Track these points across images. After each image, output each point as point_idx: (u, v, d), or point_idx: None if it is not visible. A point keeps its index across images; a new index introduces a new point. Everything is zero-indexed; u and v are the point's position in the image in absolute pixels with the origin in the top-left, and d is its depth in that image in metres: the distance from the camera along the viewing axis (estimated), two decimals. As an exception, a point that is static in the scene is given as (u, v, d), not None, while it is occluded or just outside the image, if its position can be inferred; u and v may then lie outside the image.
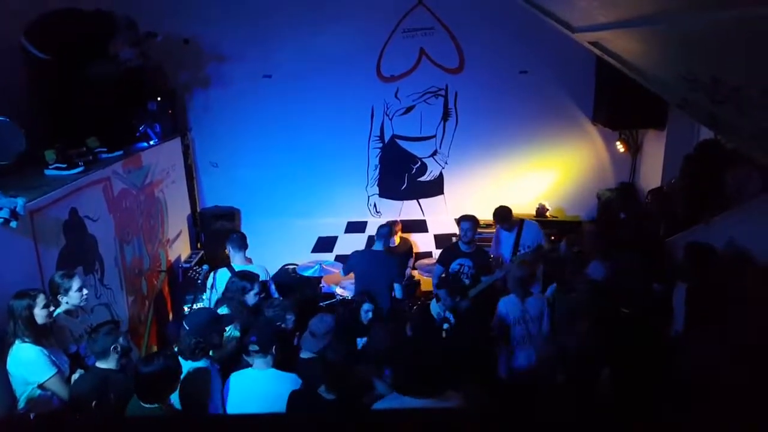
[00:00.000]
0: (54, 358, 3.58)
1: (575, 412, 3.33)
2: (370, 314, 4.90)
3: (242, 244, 5.47)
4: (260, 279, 4.90)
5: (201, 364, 3.67)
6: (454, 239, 7.71)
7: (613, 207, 6.22)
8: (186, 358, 3.68)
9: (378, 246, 5.90)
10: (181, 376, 3.48)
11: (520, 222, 6.24)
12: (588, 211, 7.79)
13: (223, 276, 5.32)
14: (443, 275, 5.63)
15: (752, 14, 1.68)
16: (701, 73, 2.44)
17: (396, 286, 5.75)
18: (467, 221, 5.86)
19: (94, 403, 3.38)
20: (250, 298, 4.61)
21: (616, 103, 6.72)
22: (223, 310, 4.61)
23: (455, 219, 6.09)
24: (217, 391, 3.62)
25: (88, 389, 3.47)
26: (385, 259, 5.79)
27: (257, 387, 3.64)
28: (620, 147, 7.55)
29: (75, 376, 3.71)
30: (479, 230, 7.30)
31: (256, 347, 3.60)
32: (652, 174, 7.14)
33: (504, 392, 4.51)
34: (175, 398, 3.51)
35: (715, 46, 2.19)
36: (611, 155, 7.70)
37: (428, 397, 2.87)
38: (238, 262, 5.40)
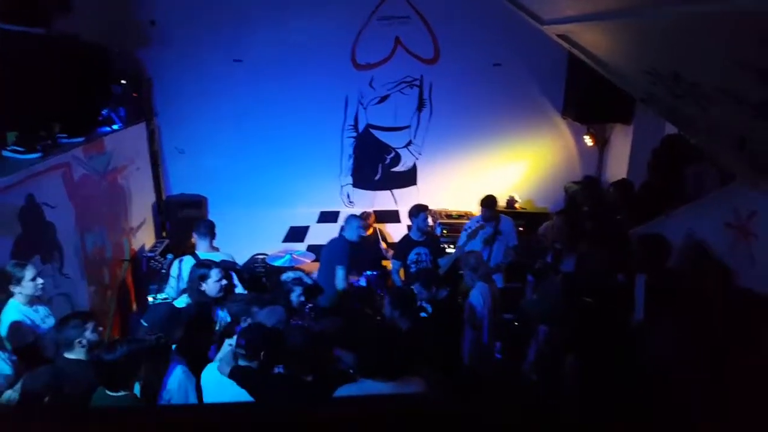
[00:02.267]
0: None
1: (538, 401, 3.38)
2: (302, 298, 4.73)
3: (209, 232, 5.36)
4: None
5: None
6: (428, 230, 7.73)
7: (578, 200, 6.32)
8: (147, 354, 3.56)
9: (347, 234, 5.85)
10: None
11: (497, 217, 6.26)
12: (556, 203, 7.87)
13: (188, 264, 5.22)
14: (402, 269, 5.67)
15: (707, 10, 1.69)
16: (662, 68, 2.47)
17: (338, 270, 5.58)
18: (422, 212, 5.95)
19: (47, 398, 3.29)
20: (211, 287, 4.43)
21: (585, 98, 6.80)
22: (182, 302, 4.48)
23: (409, 210, 6.12)
24: (180, 390, 3.47)
25: (39, 384, 3.37)
26: (336, 245, 5.75)
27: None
28: (588, 141, 7.66)
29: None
30: (453, 221, 7.44)
31: (243, 351, 3.41)
32: (618, 167, 7.25)
33: (469, 381, 4.54)
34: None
35: (675, 42, 2.21)
36: (579, 149, 7.81)
37: (392, 381, 2.92)
38: (203, 250, 5.29)
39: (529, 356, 4.61)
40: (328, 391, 3.11)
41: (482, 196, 6.03)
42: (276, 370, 3.50)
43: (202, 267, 4.53)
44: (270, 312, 3.99)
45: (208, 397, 3.54)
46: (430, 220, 7.26)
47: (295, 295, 4.62)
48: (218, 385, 3.47)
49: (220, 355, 3.70)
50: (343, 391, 3.03)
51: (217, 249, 5.43)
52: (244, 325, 3.95)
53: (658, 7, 2.13)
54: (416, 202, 6.17)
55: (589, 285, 4.37)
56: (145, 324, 3.60)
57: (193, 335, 3.89)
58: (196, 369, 3.65)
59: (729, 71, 1.91)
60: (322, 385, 3.30)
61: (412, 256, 5.90)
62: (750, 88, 1.88)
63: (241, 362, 3.42)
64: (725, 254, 3.52)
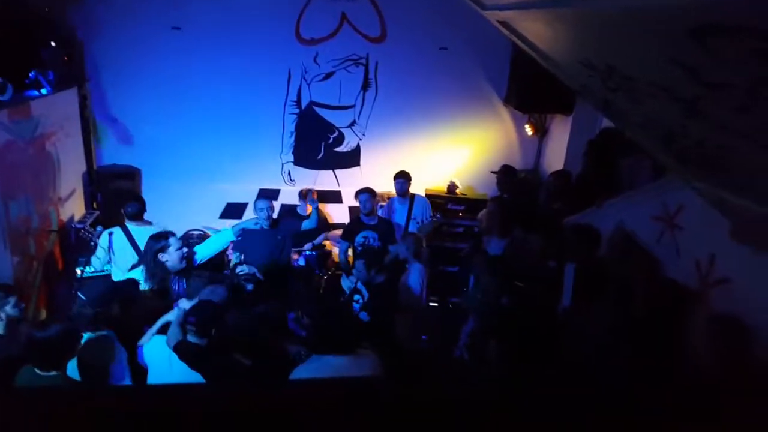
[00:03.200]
0: None
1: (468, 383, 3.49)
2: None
3: (140, 208, 5.19)
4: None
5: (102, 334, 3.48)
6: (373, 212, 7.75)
7: (498, 187, 6.55)
8: (84, 330, 3.47)
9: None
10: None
11: (412, 196, 6.52)
12: (494, 190, 8.05)
13: (118, 236, 5.04)
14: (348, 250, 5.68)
15: (638, 4, 1.75)
16: (598, 60, 2.54)
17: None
18: (364, 193, 5.98)
19: None
20: (173, 257, 4.22)
21: (527, 87, 6.89)
22: (135, 274, 4.32)
23: (354, 192, 6.16)
24: (120, 362, 3.43)
25: None
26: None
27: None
28: (528, 130, 7.81)
29: None
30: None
31: (193, 328, 3.41)
32: (556, 157, 7.44)
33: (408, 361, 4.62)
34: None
35: (610, 34, 2.27)
36: (520, 137, 7.95)
37: (345, 354, 3.03)
38: (133, 224, 5.12)
39: (461, 338, 4.68)
40: (270, 375, 3.15)
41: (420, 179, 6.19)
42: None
43: (160, 238, 4.31)
44: (212, 291, 3.94)
45: (153, 371, 3.52)
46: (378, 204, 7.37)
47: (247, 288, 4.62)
48: (163, 358, 3.46)
49: (167, 327, 3.66)
50: (299, 372, 3.07)
51: (149, 222, 5.26)
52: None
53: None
54: (359, 184, 6.22)
55: (519, 270, 4.52)
56: (84, 298, 3.48)
57: (128, 309, 3.80)
58: (128, 343, 3.59)
59: (662, 67, 1.99)
60: (262, 369, 3.30)
61: (359, 239, 5.91)
62: (682, 85, 1.96)
63: (191, 338, 3.41)
64: (653, 245, 3.70)
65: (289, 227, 5.76)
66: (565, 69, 3.39)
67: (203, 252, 4.84)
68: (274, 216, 5.60)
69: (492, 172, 6.87)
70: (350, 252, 6.17)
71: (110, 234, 5.08)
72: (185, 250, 4.42)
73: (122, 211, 5.18)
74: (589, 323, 3.54)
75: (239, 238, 5.18)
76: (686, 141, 2.35)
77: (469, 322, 4.67)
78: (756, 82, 1.68)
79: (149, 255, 4.29)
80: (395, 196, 6.63)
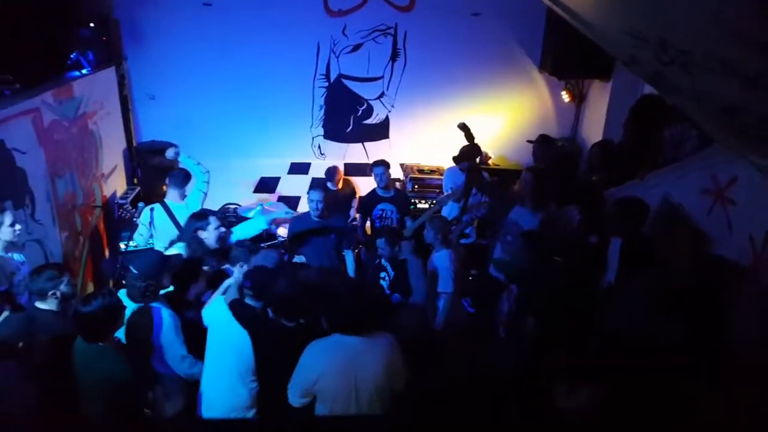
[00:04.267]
0: None
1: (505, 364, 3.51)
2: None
3: (182, 182, 5.32)
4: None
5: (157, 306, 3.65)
6: (398, 184, 7.76)
7: (535, 158, 6.36)
8: (136, 302, 3.66)
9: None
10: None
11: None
12: (528, 160, 7.96)
13: (159, 212, 5.19)
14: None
15: None
16: (649, 33, 2.45)
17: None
18: (379, 166, 5.91)
19: (20, 344, 3.30)
20: (211, 235, 4.45)
21: (563, 52, 6.72)
22: (175, 250, 4.46)
23: (370, 164, 6.08)
24: (171, 331, 3.59)
25: (14, 331, 3.38)
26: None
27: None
28: (565, 96, 7.63)
29: (5, 314, 3.59)
30: (424, 176, 7.46)
31: (250, 291, 3.65)
32: (595, 125, 7.28)
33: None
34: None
35: (663, 8, 2.20)
36: (556, 104, 7.79)
37: (362, 335, 3.12)
38: (173, 199, 5.27)
39: (501, 313, 4.61)
40: (305, 339, 3.26)
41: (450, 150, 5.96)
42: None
43: (199, 218, 4.54)
44: (264, 256, 4.23)
45: (212, 331, 3.70)
46: (399, 175, 7.32)
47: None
48: (222, 319, 3.66)
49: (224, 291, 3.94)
50: (318, 345, 3.19)
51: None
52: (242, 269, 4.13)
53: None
54: (388, 156, 6.14)
55: (558, 244, 4.43)
56: (135, 271, 3.62)
57: (180, 281, 3.95)
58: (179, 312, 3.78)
59: (725, 42, 1.92)
60: (302, 333, 3.43)
61: (376, 212, 5.90)
62: (748, 61, 1.90)
63: (248, 300, 3.67)
64: (702, 220, 3.56)
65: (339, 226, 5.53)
66: (610, 39, 3.28)
67: (238, 234, 5.03)
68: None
69: (528, 141, 6.69)
70: (368, 225, 6.17)
71: (151, 210, 5.24)
72: (223, 229, 4.64)
73: (167, 180, 5.34)
74: (634, 300, 3.46)
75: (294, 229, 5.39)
76: (748, 117, 2.26)
77: (504, 299, 4.59)
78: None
79: (188, 232, 4.51)
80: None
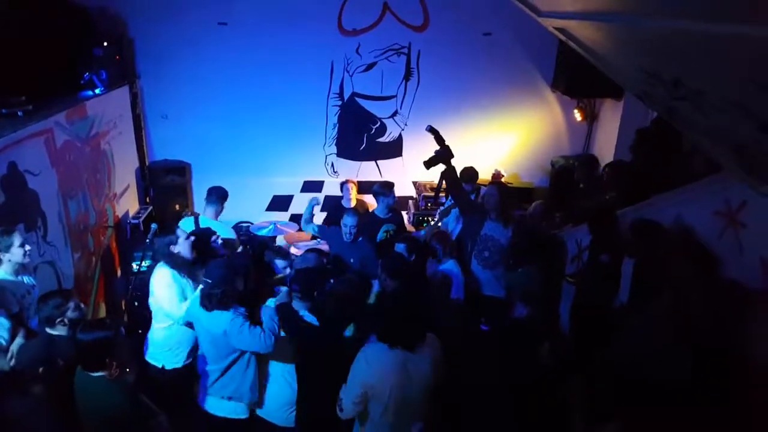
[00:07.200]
0: None
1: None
2: None
3: (219, 199, 5.34)
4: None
5: (229, 312, 3.68)
6: (411, 202, 7.73)
7: (574, 176, 6.23)
8: (211, 309, 3.69)
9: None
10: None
11: (478, 188, 6.27)
12: (541, 178, 7.91)
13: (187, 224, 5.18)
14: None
15: (717, 31, 1.65)
16: (664, 72, 2.42)
17: None
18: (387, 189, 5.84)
19: (41, 369, 3.28)
20: (184, 249, 4.32)
21: (576, 71, 6.68)
22: None
23: (373, 189, 5.97)
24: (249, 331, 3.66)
25: (34, 355, 3.35)
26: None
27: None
28: (577, 115, 7.61)
29: (18, 340, 3.57)
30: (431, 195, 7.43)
31: (299, 294, 3.77)
32: (606, 144, 7.26)
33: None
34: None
35: (679, 51, 2.16)
36: (568, 123, 7.77)
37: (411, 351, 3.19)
38: (208, 216, 5.30)
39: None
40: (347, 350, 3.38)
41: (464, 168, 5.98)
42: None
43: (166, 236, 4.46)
44: (303, 259, 4.38)
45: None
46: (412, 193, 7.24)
47: None
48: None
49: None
50: (371, 349, 3.27)
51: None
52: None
53: (662, 18, 2.08)
54: (401, 174, 6.06)
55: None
56: (209, 280, 3.64)
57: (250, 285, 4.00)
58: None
59: (742, 88, 1.87)
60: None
61: (381, 235, 5.80)
62: (760, 103, 1.84)
63: (295, 303, 3.79)
64: (713, 242, 3.56)
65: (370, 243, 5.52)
66: (624, 75, 3.26)
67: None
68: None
69: (562, 157, 6.57)
70: None
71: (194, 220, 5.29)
72: (192, 238, 4.49)
73: (205, 199, 5.38)
74: (646, 321, 3.43)
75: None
76: (760, 155, 2.21)
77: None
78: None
79: (161, 250, 4.37)
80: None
